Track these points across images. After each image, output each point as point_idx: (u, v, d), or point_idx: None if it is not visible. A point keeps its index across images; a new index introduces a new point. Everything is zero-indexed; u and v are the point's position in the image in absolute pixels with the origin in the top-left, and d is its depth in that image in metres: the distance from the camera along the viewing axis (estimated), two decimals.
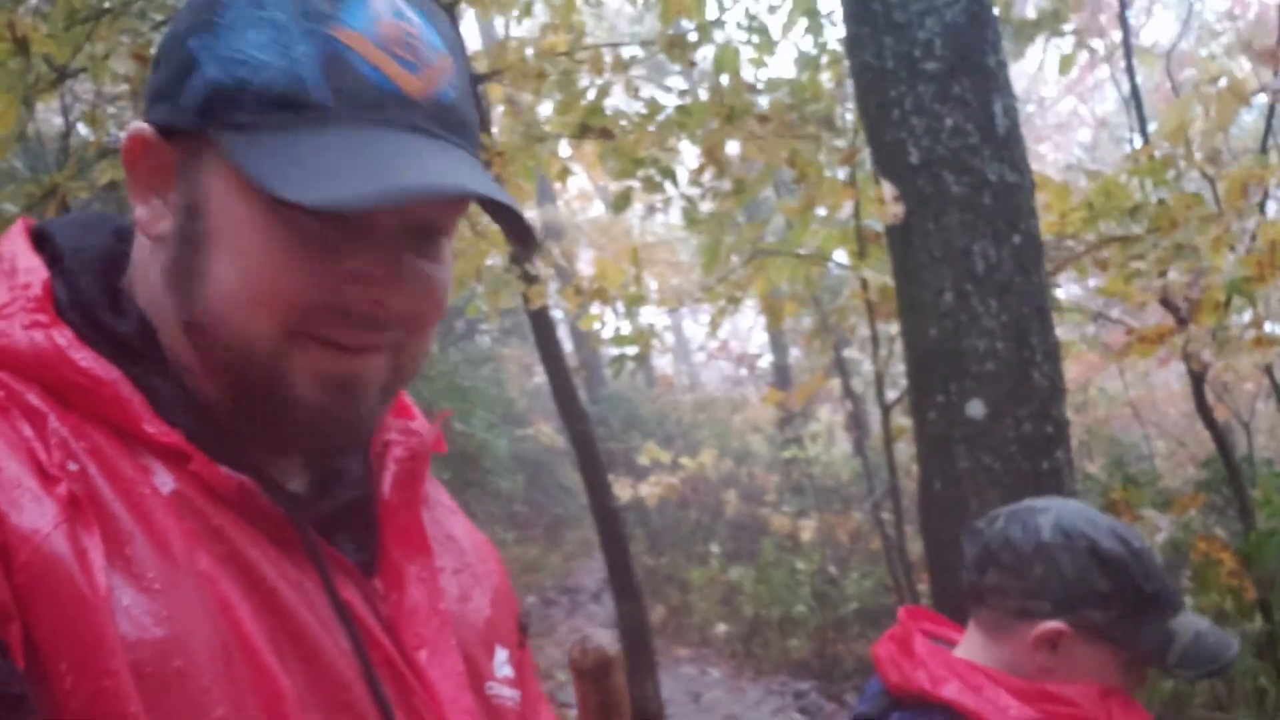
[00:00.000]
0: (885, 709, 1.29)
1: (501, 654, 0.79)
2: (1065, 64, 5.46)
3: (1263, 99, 4.13)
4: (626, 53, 4.47)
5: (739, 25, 4.45)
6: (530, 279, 4.50)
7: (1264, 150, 4.18)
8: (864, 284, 4.38)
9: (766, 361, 12.77)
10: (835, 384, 8.00)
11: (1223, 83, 3.76)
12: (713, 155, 4.33)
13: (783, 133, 4.07)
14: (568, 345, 12.93)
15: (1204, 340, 3.32)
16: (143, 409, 0.63)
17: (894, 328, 3.85)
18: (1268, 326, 3.84)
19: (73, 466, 0.59)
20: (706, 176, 4.63)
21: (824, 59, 4.67)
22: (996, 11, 3.15)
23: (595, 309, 5.04)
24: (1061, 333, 3.60)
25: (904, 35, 2.90)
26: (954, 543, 1.64)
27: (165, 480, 0.62)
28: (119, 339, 0.66)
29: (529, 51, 4.18)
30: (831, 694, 6.64)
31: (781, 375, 11.94)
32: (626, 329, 5.14)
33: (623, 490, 9.24)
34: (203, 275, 0.64)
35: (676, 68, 5.17)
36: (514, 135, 4.25)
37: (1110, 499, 3.80)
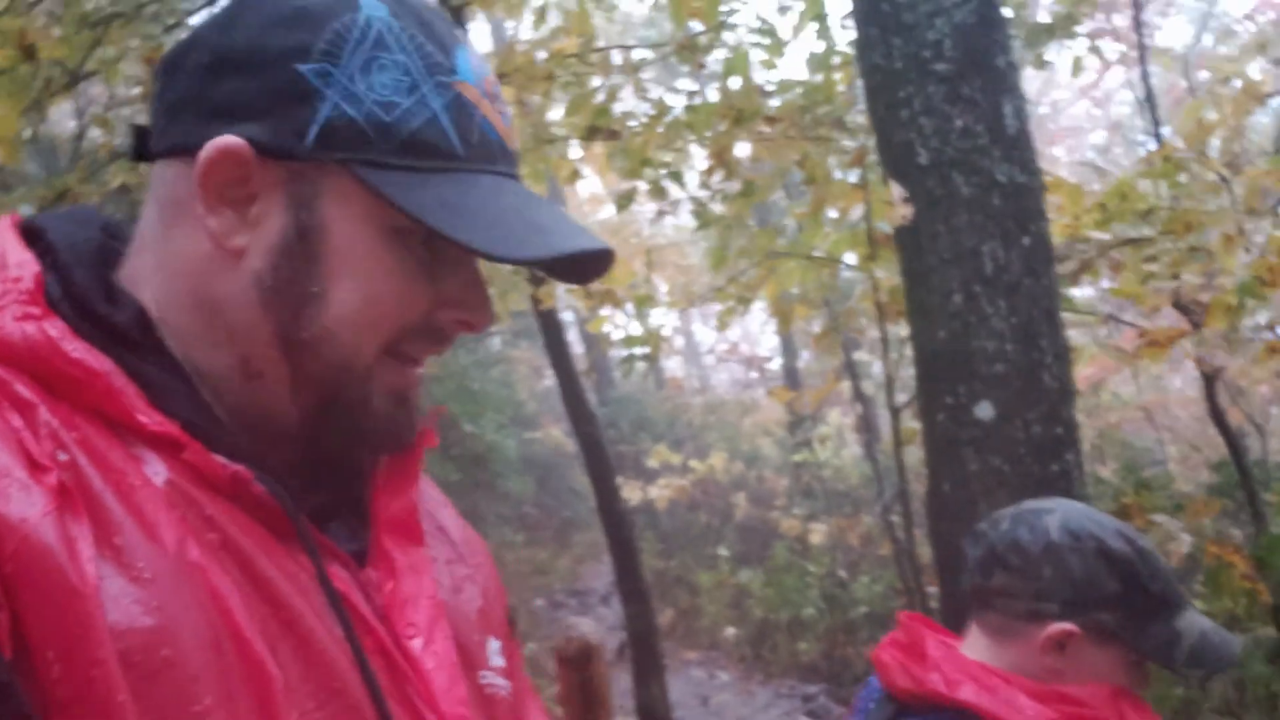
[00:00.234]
0: (893, 715, 1.28)
1: (494, 644, 0.79)
2: (1076, 67, 5.44)
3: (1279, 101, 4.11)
4: (636, 55, 4.47)
5: (749, 29, 4.45)
6: (539, 281, 4.50)
7: (1279, 152, 4.16)
8: (875, 285, 4.37)
9: (777, 364, 12.76)
10: (846, 387, 7.99)
11: (1236, 84, 3.74)
12: (721, 157, 4.33)
13: (793, 134, 4.06)
14: (578, 347, 12.95)
15: (1216, 343, 3.29)
16: (136, 399, 0.63)
17: (904, 330, 3.84)
18: None
19: (62, 456, 0.59)
20: (716, 178, 4.63)
21: (836, 59, 4.66)
22: (1009, 14, 3.14)
23: (605, 311, 5.04)
24: (1074, 335, 3.59)
25: (913, 36, 2.89)
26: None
27: (158, 470, 0.62)
28: (115, 330, 0.66)
29: (540, 54, 4.19)
30: (840, 697, 6.62)
31: (792, 378, 11.93)
32: (636, 330, 5.15)
33: (632, 493, 9.24)
34: (319, 297, 0.68)
35: (686, 69, 5.17)
36: (523, 137, 4.25)
37: (1122, 503, 3.77)
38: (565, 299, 5.40)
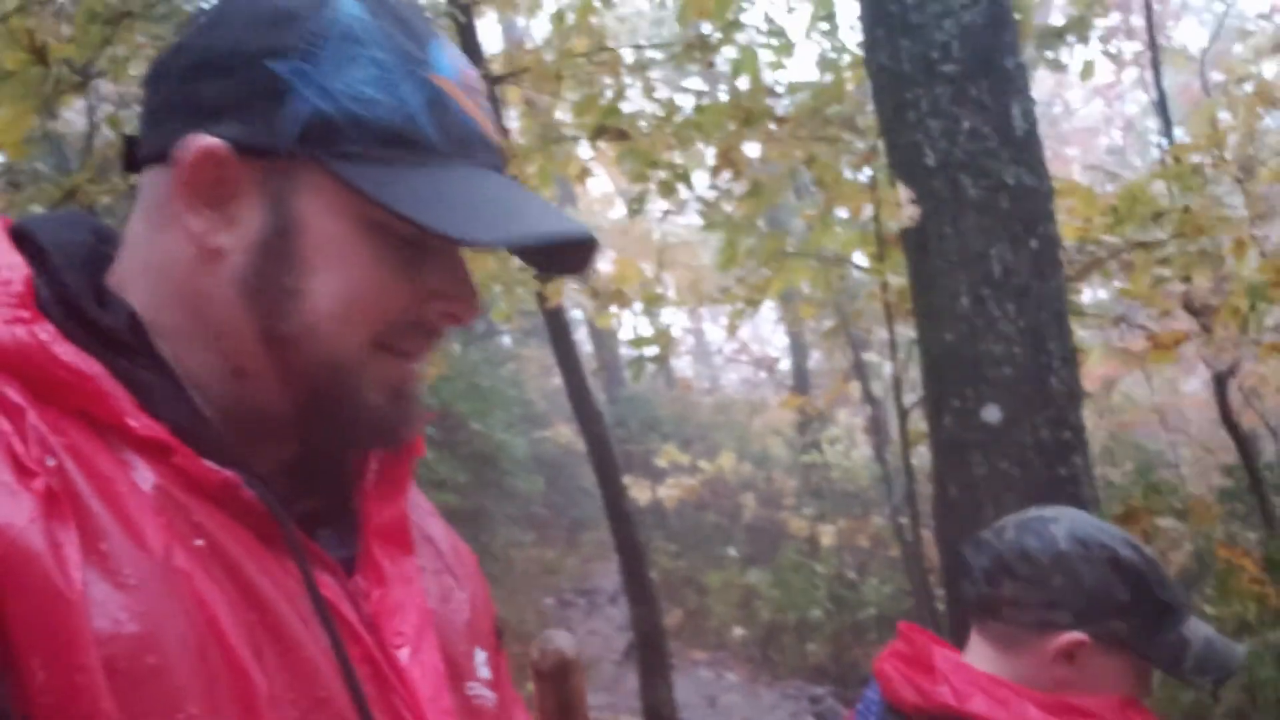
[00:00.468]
0: None
1: (480, 655, 0.79)
2: (1087, 70, 5.41)
3: None
4: (644, 55, 4.46)
5: (758, 30, 4.44)
6: (545, 278, 4.50)
7: None
8: (884, 286, 4.35)
9: (786, 364, 12.73)
10: (855, 387, 7.97)
11: (1249, 87, 3.71)
12: (729, 157, 4.32)
13: (801, 135, 4.05)
14: (588, 347, 12.95)
15: (1225, 345, 3.27)
16: (126, 402, 0.63)
17: (913, 331, 3.83)
18: None
19: (50, 462, 0.59)
20: (724, 178, 4.62)
21: (847, 59, 4.65)
22: (1019, 16, 3.12)
23: (613, 310, 5.04)
24: (1085, 337, 3.57)
25: (921, 37, 2.88)
26: None
27: (146, 475, 0.62)
28: (106, 333, 0.66)
29: (548, 55, 4.19)
30: (848, 699, 6.61)
31: (801, 378, 11.90)
32: (646, 330, 5.15)
33: (641, 492, 9.24)
34: (299, 293, 0.68)
35: (695, 69, 5.16)
36: (531, 136, 4.26)
37: (1130, 506, 3.75)
38: (573, 297, 5.39)
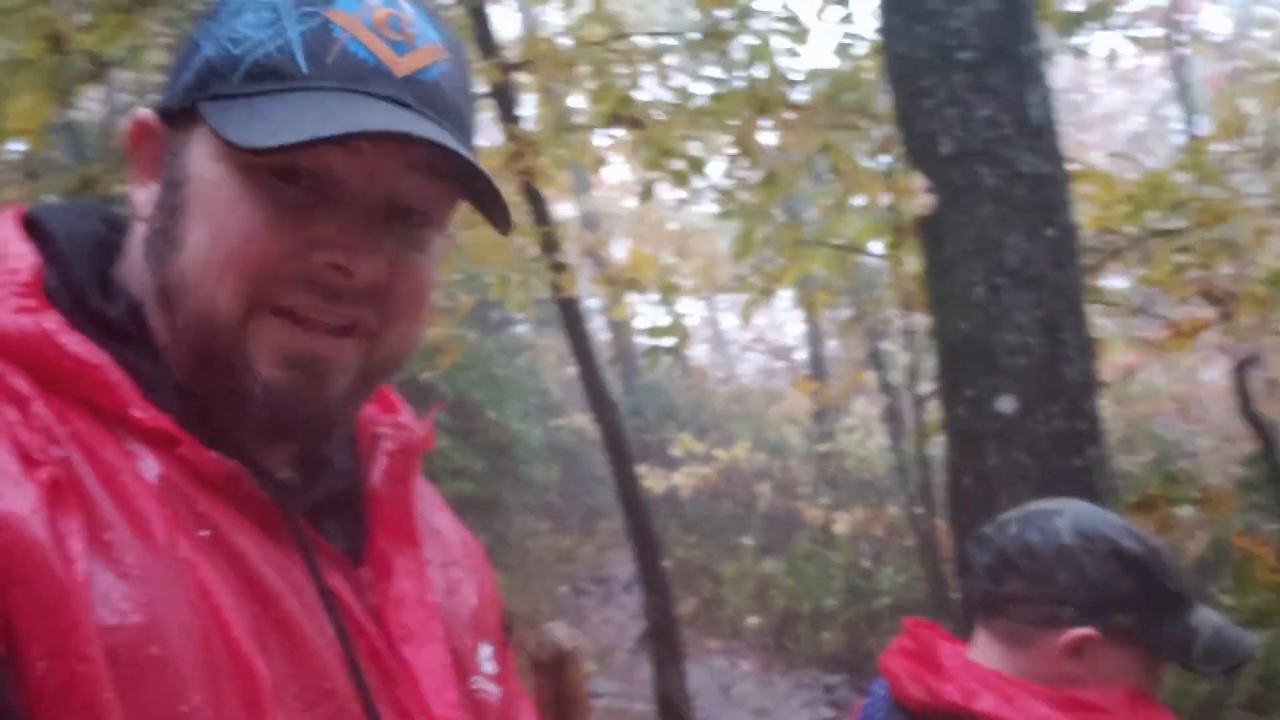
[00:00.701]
0: None
1: (486, 649, 0.78)
2: (1111, 58, 5.34)
3: None
4: (660, 41, 4.45)
5: (773, 18, 4.41)
6: (559, 267, 4.50)
7: None
8: (899, 274, 4.33)
9: (803, 353, 12.69)
10: (871, 377, 7.94)
11: (1273, 75, 3.66)
12: (744, 145, 4.31)
13: (817, 122, 4.03)
14: (604, 336, 12.95)
15: (1245, 334, 3.24)
16: (130, 393, 0.63)
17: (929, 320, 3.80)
18: None
19: (56, 451, 0.59)
20: (741, 166, 4.60)
21: (865, 47, 4.61)
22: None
23: (628, 298, 5.04)
24: (1104, 326, 3.54)
25: (937, 24, 2.85)
26: None
27: (150, 465, 0.62)
28: (110, 324, 0.66)
29: (564, 41, 4.18)
30: (862, 689, 6.58)
31: (818, 367, 11.86)
32: (662, 320, 5.15)
33: (657, 481, 9.24)
34: (178, 242, 0.66)
35: (710, 56, 5.14)
36: (546, 125, 4.25)
37: (1146, 495, 3.73)
38: (588, 287, 5.38)
